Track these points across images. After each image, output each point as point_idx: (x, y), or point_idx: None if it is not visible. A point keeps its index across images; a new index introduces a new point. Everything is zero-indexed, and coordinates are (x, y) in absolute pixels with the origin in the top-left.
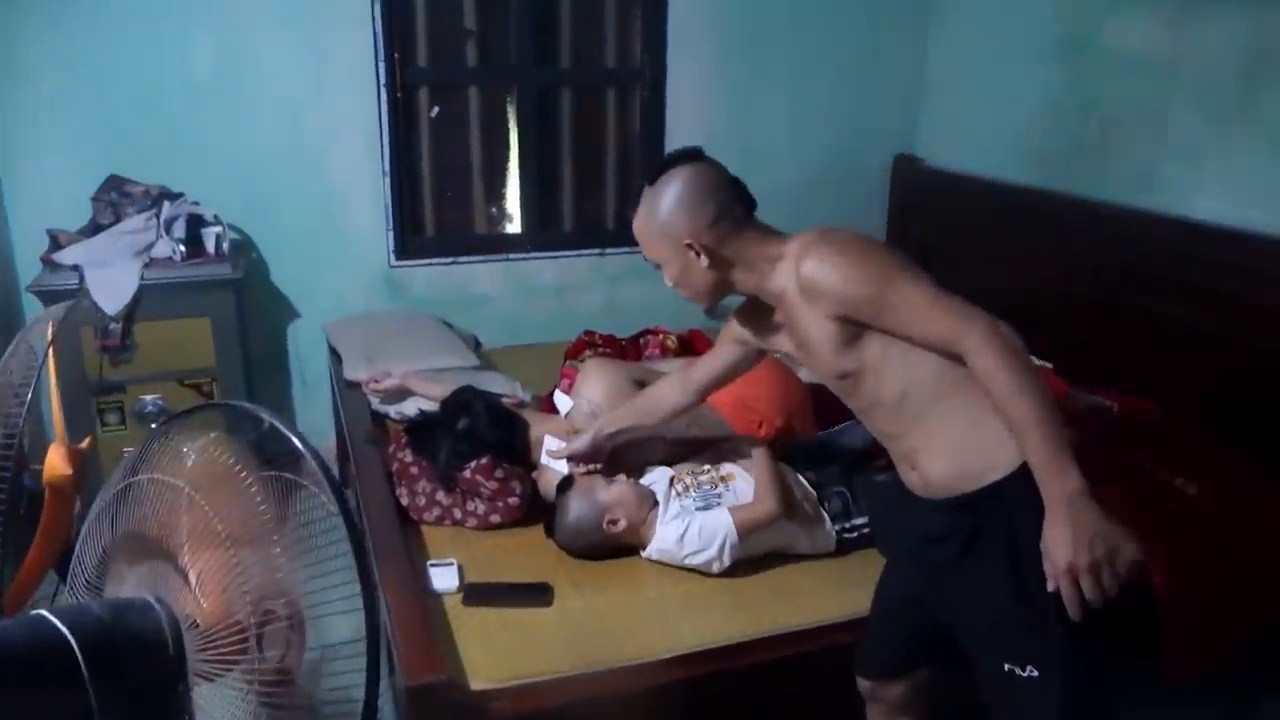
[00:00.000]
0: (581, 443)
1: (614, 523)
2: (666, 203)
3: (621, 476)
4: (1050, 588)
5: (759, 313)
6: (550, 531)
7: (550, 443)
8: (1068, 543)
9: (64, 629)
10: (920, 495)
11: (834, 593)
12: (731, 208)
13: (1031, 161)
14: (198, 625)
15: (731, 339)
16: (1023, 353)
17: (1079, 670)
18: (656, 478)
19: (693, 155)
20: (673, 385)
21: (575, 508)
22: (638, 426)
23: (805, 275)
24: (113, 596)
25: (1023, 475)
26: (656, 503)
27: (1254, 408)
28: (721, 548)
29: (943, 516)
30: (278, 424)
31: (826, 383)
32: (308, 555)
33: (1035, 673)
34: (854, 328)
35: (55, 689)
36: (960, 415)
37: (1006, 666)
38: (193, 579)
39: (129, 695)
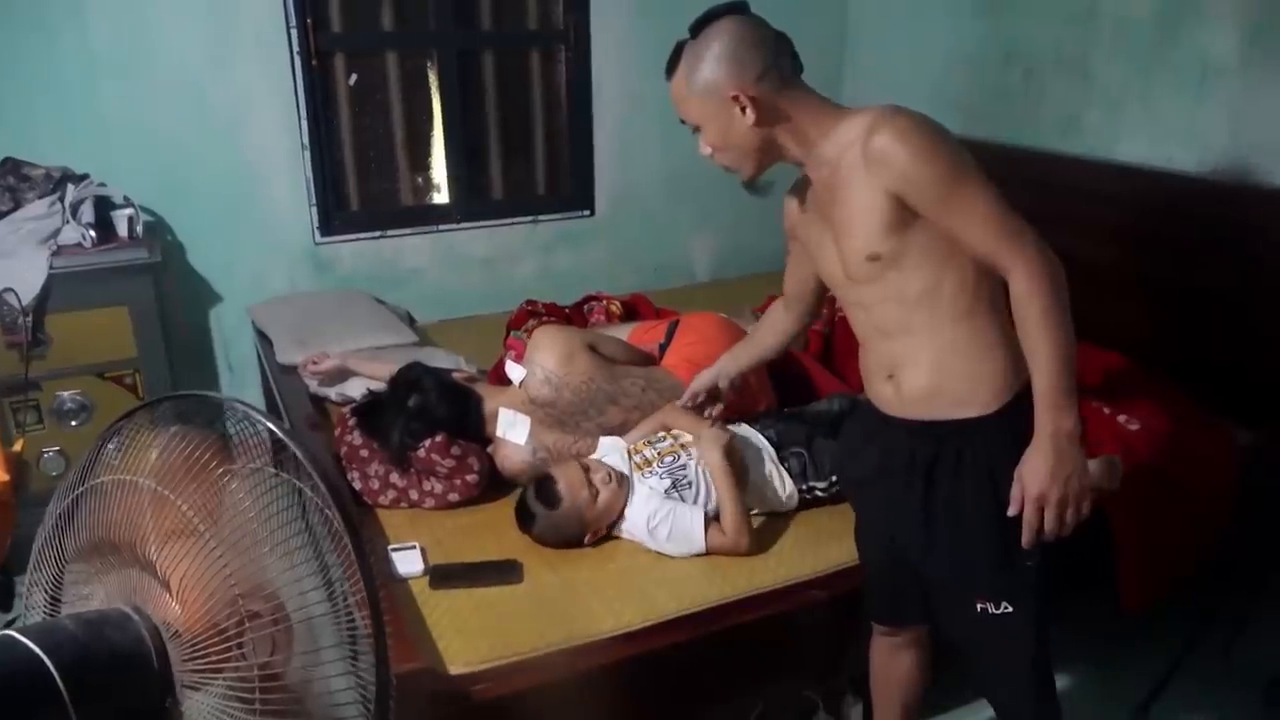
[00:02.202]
0: (699, 386)
1: (597, 534)
2: (710, 56)
3: (603, 475)
4: (1012, 511)
5: (801, 192)
6: (524, 527)
7: (505, 415)
8: (1045, 473)
9: (37, 649)
10: (888, 413)
11: (804, 549)
12: (779, 63)
13: (955, 110)
14: (180, 634)
15: (790, 236)
16: (1064, 287)
17: (1046, 603)
18: (609, 449)
19: (737, 7)
20: (775, 311)
21: (559, 521)
22: (759, 363)
23: (877, 145)
24: (84, 610)
25: (996, 419)
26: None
27: (1182, 343)
28: (685, 552)
29: (907, 441)
30: (255, 414)
31: (843, 272)
32: (293, 553)
33: (1010, 609)
34: (904, 212)
35: (33, 715)
36: (965, 336)
37: (979, 606)
38: (174, 584)
39: (114, 714)
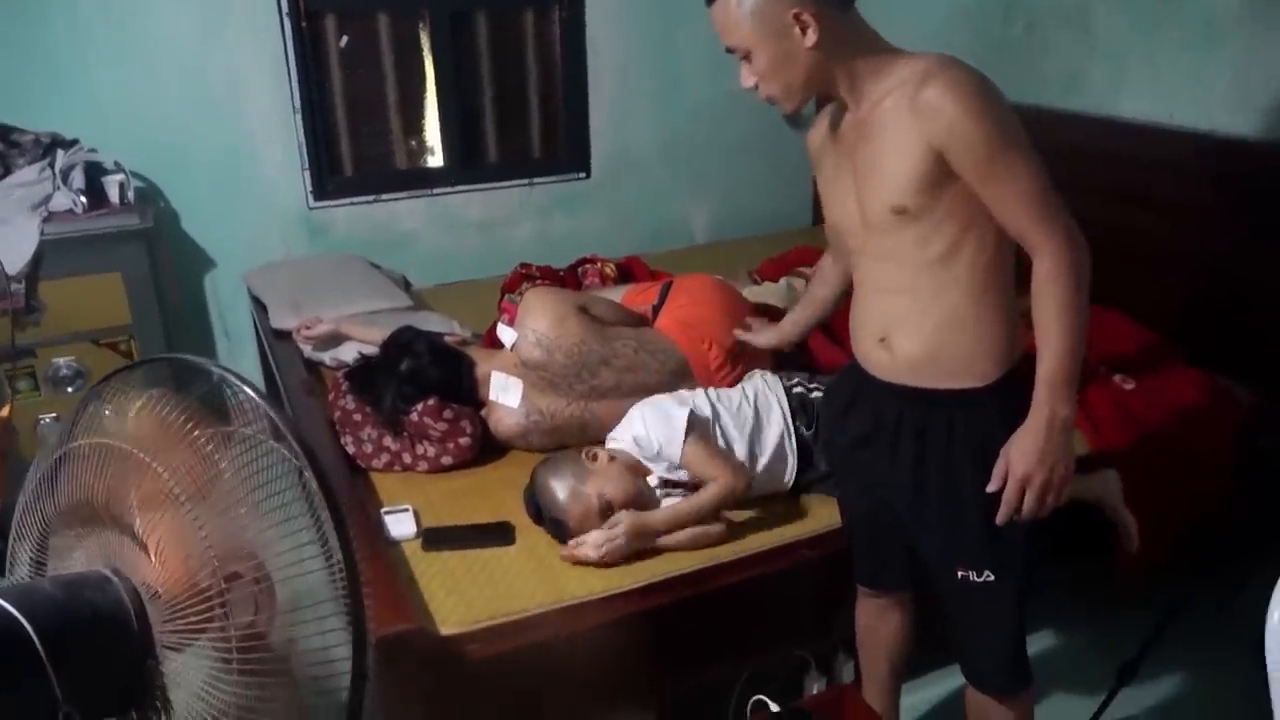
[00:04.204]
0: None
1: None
2: None
3: (649, 487)
4: (993, 487)
5: (829, 119)
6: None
7: (497, 378)
8: (1033, 454)
9: (14, 611)
10: (877, 377)
11: (795, 510)
12: None
13: None
14: (159, 595)
15: (816, 165)
16: (1087, 277)
17: (1030, 572)
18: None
19: None
20: (824, 262)
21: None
22: (818, 320)
23: (929, 96)
24: (63, 572)
25: (988, 393)
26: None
27: (1182, 302)
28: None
29: (896, 404)
30: (230, 376)
31: (860, 217)
32: (273, 513)
33: (991, 577)
34: (941, 169)
35: (11, 678)
36: (971, 308)
37: (960, 573)
38: (152, 546)
39: (94, 676)
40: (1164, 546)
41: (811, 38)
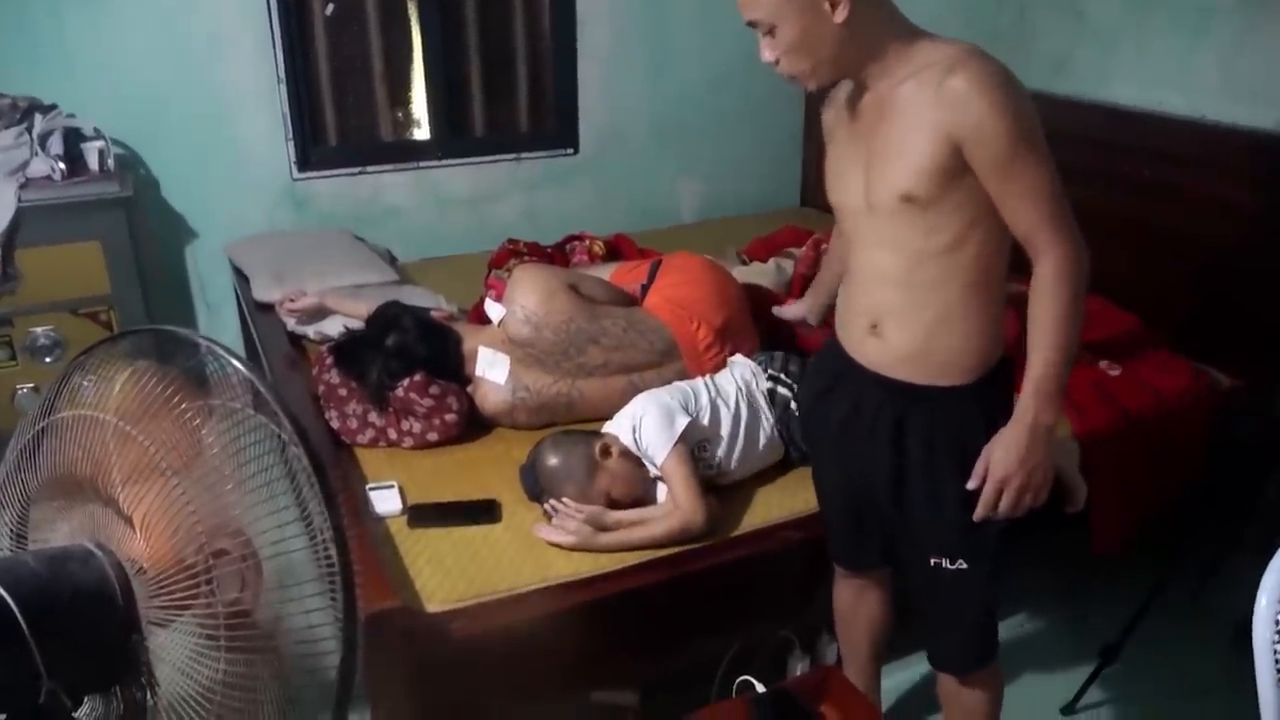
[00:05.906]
0: (788, 317)
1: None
2: None
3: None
4: (971, 485)
5: (845, 99)
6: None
7: (484, 354)
8: (1014, 457)
9: None
10: (863, 365)
11: (780, 491)
12: None
13: None
14: (144, 570)
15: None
16: (1086, 283)
17: (1002, 561)
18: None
19: None
20: (835, 240)
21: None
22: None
23: (955, 86)
24: (45, 546)
25: (968, 390)
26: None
27: (1166, 289)
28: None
29: (875, 393)
30: (218, 348)
31: (865, 200)
32: (258, 489)
33: (964, 565)
34: (957, 162)
35: None
36: (966, 305)
37: (933, 560)
38: (137, 520)
39: (78, 651)
40: (1137, 529)
41: (842, 14)
